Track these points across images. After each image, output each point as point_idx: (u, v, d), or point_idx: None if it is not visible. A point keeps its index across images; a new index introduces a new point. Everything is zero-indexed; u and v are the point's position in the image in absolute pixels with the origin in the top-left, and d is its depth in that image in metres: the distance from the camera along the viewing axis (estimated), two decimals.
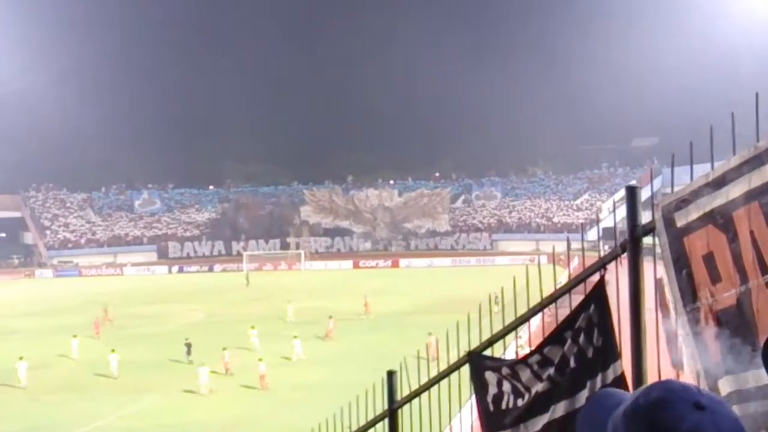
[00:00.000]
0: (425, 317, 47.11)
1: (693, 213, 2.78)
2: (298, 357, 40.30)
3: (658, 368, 3.22)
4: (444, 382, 5.10)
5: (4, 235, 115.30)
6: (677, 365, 3.27)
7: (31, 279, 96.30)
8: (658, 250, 3.01)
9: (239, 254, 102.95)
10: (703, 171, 2.78)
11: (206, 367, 35.41)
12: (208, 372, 35.19)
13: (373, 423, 6.07)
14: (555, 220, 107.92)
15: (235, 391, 35.27)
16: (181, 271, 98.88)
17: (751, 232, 2.53)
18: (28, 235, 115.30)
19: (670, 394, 1.68)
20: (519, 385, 3.81)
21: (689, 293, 2.82)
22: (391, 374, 5.61)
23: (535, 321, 4.37)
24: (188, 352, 40.67)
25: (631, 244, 3.22)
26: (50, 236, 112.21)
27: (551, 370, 3.56)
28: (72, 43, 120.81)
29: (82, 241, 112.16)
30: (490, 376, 4.04)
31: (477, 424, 4.14)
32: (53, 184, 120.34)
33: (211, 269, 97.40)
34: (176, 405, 33.27)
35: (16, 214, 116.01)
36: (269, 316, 54.80)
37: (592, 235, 62.13)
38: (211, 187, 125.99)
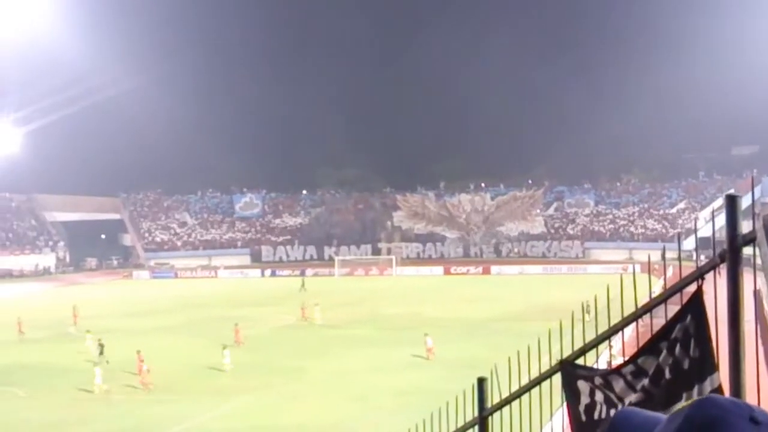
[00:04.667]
0: (516, 324, 46.73)
1: None
2: (228, 367, 39.59)
3: (757, 381, 3.15)
4: (534, 391, 5.07)
5: (104, 236, 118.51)
6: None
7: (128, 280, 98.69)
8: (758, 260, 2.94)
9: (331, 259, 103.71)
10: None
11: (99, 368, 36.72)
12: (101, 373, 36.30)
13: (463, 430, 6.05)
14: (649, 229, 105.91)
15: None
16: (273, 274, 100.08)
17: None
18: (126, 237, 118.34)
19: (724, 412, 1.63)
20: (612, 396, 3.75)
21: None
22: (481, 381, 5.59)
23: (628, 331, 4.30)
24: (101, 353, 41.42)
25: (730, 254, 3.14)
26: (148, 238, 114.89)
27: (646, 381, 3.50)
28: (173, 49, 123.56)
29: (179, 243, 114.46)
30: (583, 386, 3.99)
31: None
32: (151, 187, 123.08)
33: (302, 274, 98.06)
34: (272, 405, 33.64)
35: (116, 216, 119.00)
36: (358, 320, 55.34)
37: (687, 244, 60.92)
38: (304, 192, 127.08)
